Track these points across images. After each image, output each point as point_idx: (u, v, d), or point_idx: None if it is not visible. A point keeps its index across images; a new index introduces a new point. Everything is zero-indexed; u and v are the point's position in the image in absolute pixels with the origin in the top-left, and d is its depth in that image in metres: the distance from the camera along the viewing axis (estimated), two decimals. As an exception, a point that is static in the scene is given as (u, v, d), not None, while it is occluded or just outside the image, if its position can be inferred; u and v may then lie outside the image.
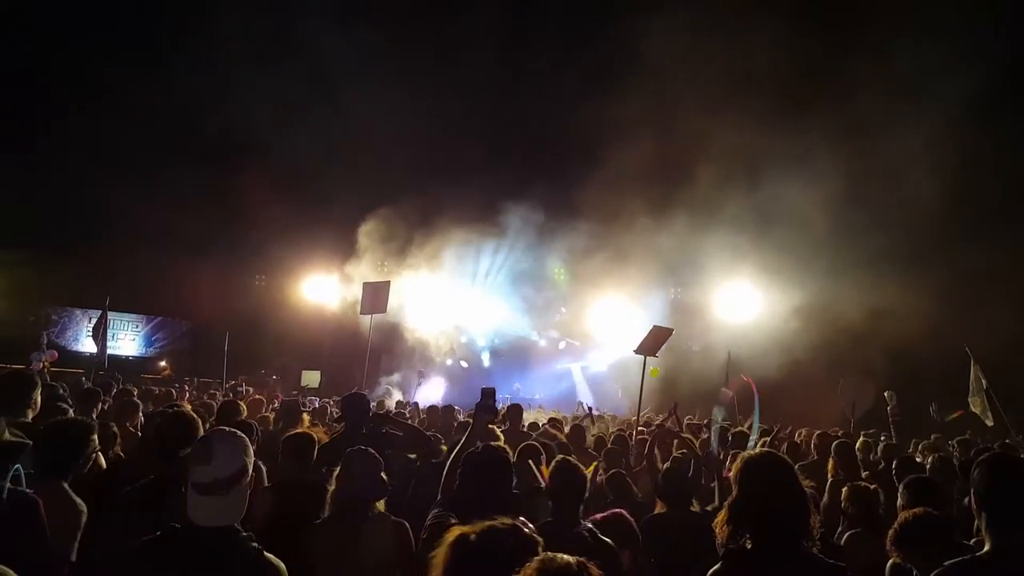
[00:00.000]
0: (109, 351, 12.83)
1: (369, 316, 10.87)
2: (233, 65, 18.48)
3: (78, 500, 2.65)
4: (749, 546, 1.84)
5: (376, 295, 10.51)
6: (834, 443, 4.70)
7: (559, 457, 2.94)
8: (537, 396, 18.22)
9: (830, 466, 4.44)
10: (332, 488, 2.83)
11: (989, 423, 9.75)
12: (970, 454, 5.46)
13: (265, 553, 1.88)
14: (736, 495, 1.91)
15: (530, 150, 19.57)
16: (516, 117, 19.73)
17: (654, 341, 8.01)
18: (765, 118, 15.23)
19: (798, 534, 1.83)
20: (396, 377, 17.96)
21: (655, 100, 15.49)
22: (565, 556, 1.34)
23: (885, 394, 9.82)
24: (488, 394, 3.12)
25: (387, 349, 18.41)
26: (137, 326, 22.80)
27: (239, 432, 2.03)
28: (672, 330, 8.24)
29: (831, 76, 15.06)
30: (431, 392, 16.52)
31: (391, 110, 18.33)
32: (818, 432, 5.91)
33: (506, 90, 19.85)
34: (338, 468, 2.87)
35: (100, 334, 12.24)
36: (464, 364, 20.58)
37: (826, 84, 14.91)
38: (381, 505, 2.84)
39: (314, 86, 19.64)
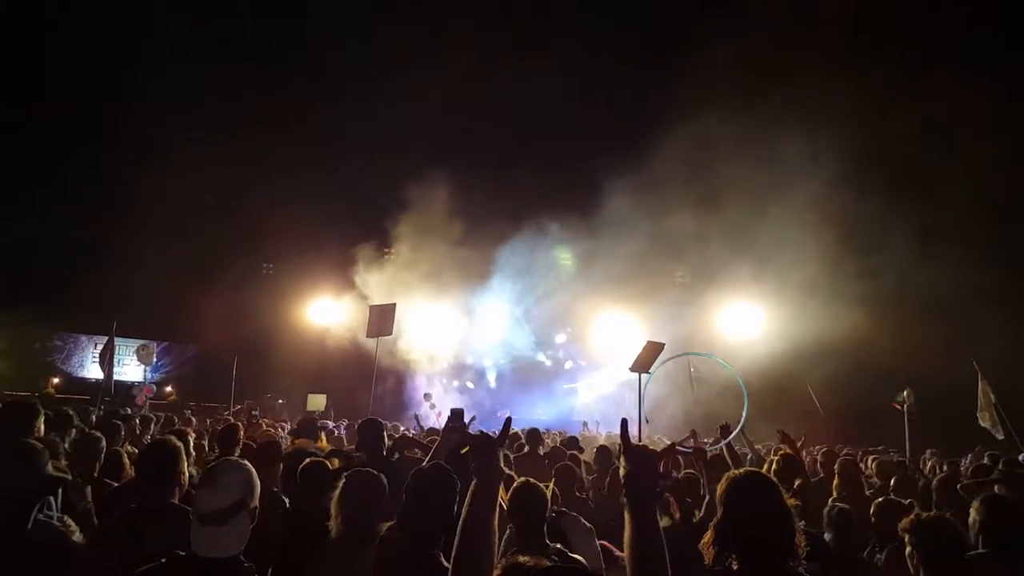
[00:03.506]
0: (115, 377, 12.86)
1: (375, 339, 10.88)
2: (237, 89, 18.90)
3: (59, 526, 2.68)
4: (735, 567, 1.82)
5: (382, 317, 10.50)
6: (837, 461, 4.69)
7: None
8: (514, 415, 18.14)
9: (835, 484, 4.43)
10: (334, 513, 2.81)
11: (1000, 437, 9.69)
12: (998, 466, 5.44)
13: None
14: (721, 516, 1.90)
15: (535, 169, 19.71)
16: (522, 133, 19.92)
17: (647, 356, 8.04)
18: (769, 146, 15.47)
19: (783, 553, 1.82)
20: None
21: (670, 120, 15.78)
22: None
23: (904, 392, 9.64)
24: (456, 415, 3.21)
25: (394, 371, 18.40)
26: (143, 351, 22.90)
27: (244, 463, 2.03)
28: (663, 344, 8.26)
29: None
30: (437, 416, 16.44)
31: (396, 126, 18.65)
32: (824, 450, 5.87)
33: (516, 101, 20.03)
34: (337, 492, 2.85)
35: (107, 360, 12.28)
36: (470, 385, 20.54)
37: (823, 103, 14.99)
38: (386, 526, 2.80)
39: (316, 108, 20.01)
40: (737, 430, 5.47)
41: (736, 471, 2.01)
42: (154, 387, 15.59)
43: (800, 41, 15.31)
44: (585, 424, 15.18)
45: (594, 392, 19.57)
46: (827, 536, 3.42)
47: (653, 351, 8.12)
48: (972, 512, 2.99)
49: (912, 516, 2.78)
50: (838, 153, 14.82)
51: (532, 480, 2.92)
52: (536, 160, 20.01)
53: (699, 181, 15.94)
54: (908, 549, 2.70)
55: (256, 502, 1.96)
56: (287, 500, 3.69)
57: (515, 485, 2.85)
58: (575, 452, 6.40)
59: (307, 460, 3.73)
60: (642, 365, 8.04)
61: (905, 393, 9.66)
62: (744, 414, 7.07)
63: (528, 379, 20.57)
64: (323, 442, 5.46)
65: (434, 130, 19.54)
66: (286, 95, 19.67)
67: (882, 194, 14.50)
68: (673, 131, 15.80)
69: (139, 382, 14.57)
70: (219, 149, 18.14)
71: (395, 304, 11.07)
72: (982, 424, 10.09)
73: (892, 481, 4.65)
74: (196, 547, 1.84)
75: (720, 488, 1.95)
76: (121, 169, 18.54)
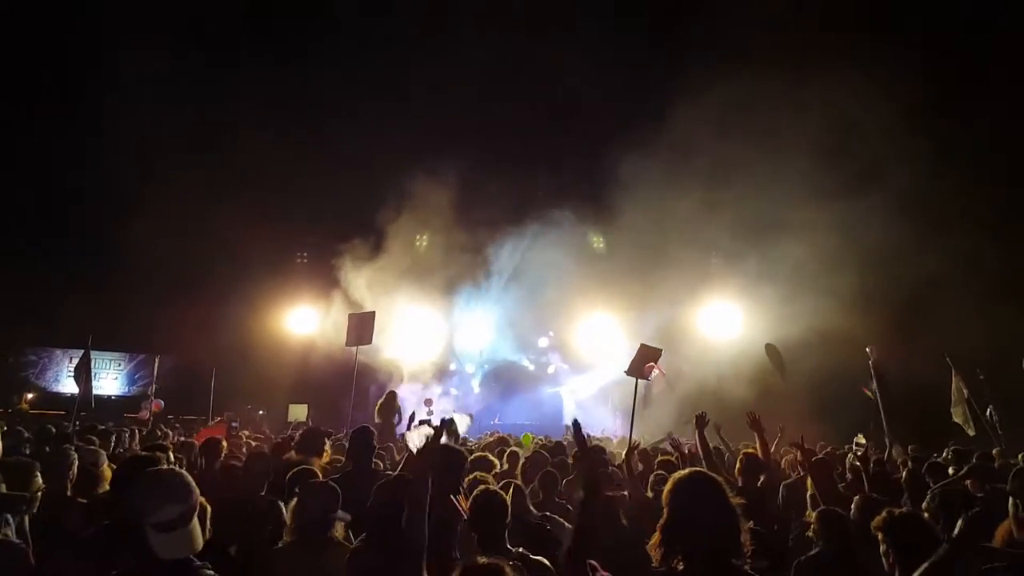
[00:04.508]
0: (94, 391, 12.57)
1: (355, 348, 10.78)
2: (212, 94, 18.69)
3: (19, 544, 2.68)
4: (681, 568, 1.83)
5: (361, 326, 10.42)
6: (812, 460, 4.72)
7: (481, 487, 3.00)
8: (500, 420, 18.26)
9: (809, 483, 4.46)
10: (288, 520, 2.96)
11: (971, 432, 9.86)
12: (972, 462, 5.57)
13: None
14: (666, 516, 1.91)
15: (516, 175, 19.73)
16: (506, 134, 19.88)
17: (642, 361, 8.02)
18: (753, 144, 15.64)
19: (728, 552, 1.83)
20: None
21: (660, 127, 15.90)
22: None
23: (867, 349, 9.53)
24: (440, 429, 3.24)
25: (376, 380, 18.26)
26: (120, 364, 22.48)
27: (183, 471, 2.18)
28: (660, 350, 8.24)
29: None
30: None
31: (372, 131, 18.57)
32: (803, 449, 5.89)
33: (505, 99, 20.01)
34: (293, 502, 3.01)
35: (83, 374, 12.02)
36: (454, 391, 20.46)
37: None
38: (340, 532, 2.94)
39: (294, 116, 19.87)
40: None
41: (682, 472, 2.03)
42: (162, 403, 15.31)
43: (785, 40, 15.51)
44: (568, 427, 15.18)
45: (578, 396, 19.62)
46: (822, 543, 3.36)
47: (649, 356, 8.09)
48: (924, 507, 3.03)
49: (884, 514, 2.78)
50: (824, 153, 15.03)
51: (492, 488, 2.97)
52: (517, 165, 20.05)
53: (679, 183, 16.05)
54: (883, 547, 2.70)
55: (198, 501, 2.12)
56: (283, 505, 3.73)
57: (475, 493, 2.91)
58: (563, 457, 6.39)
59: (294, 470, 3.78)
60: (637, 370, 8.02)
61: (868, 349, 9.47)
62: None
63: (512, 384, 20.58)
64: (326, 457, 5.25)
65: (415, 135, 19.50)
66: (264, 100, 19.48)
67: (867, 188, 14.68)
68: (655, 133, 15.95)
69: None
70: (195, 155, 17.93)
71: (374, 312, 11.01)
72: (955, 420, 10.27)
73: (866, 478, 4.69)
74: (160, 552, 1.95)
75: (665, 489, 1.97)
76: (95, 179, 18.22)
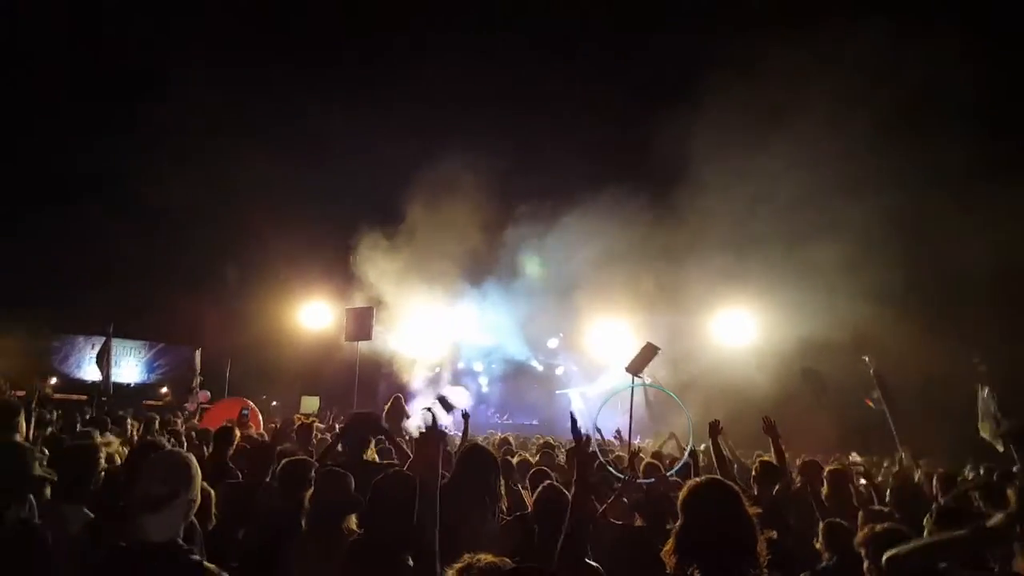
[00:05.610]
0: (112, 378, 12.83)
1: (355, 343, 10.78)
2: (234, 91, 18.93)
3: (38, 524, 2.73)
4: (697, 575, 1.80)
5: (360, 321, 10.44)
6: (827, 471, 4.59)
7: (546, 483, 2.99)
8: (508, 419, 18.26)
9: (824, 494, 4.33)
10: (306, 508, 2.98)
11: (1000, 448, 9.47)
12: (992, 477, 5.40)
13: (206, 564, 2.00)
14: (682, 523, 1.90)
15: (531, 173, 19.69)
16: (527, 132, 19.89)
17: (643, 359, 7.89)
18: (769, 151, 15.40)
19: (744, 561, 1.81)
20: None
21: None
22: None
23: (865, 358, 9.24)
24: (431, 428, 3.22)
25: (385, 377, 18.32)
26: (140, 352, 22.90)
27: (186, 455, 2.14)
28: (659, 348, 8.08)
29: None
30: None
31: (392, 129, 18.70)
32: (805, 460, 5.74)
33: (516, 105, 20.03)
34: (311, 490, 3.04)
35: (104, 361, 12.28)
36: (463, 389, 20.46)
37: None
38: (353, 523, 2.94)
39: (310, 108, 20.05)
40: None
41: (698, 479, 2.00)
42: (208, 393, 15.58)
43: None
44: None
45: (586, 397, 19.50)
46: (827, 556, 3.29)
47: (649, 354, 7.97)
48: (926, 525, 2.93)
49: (866, 530, 2.73)
50: (847, 150, 14.73)
51: (556, 485, 2.99)
52: (536, 164, 20.06)
53: (695, 185, 15.88)
54: (866, 564, 2.64)
55: (194, 495, 2.04)
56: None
57: (540, 488, 2.95)
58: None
59: (285, 460, 3.80)
60: (637, 367, 7.91)
61: (866, 359, 9.15)
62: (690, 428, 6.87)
63: (520, 384, 20.52)
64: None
65: (433, 133, 19.62)
66: (283, 96, 19.71)
67: (888, 184, 14.29)
68: (672, 136, 15.77)
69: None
70: (217, 149, 18.17)
71: (372, 308, 11.03)
72: (982, 435, 9.87)
73: (889, 493, 4.53)
74: (139, 532, 1.93)
75: (681, 495, 1.95)
76: (119, 172, 18.56)
